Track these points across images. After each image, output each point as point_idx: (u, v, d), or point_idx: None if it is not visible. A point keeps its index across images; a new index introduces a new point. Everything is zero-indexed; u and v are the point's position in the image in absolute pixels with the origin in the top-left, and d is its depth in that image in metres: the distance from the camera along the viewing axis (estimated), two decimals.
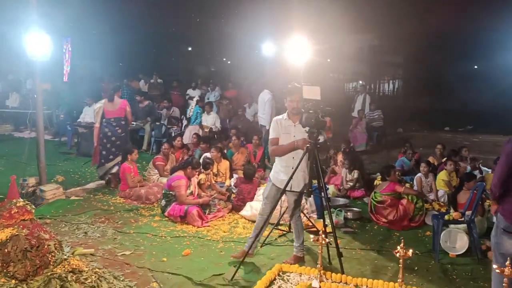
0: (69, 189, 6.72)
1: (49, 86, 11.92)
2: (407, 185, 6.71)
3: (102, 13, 13.82)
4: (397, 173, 6.56)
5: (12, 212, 3.67)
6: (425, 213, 5.94)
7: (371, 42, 19.76)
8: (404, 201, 5.86)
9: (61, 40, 9.00)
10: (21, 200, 3.82)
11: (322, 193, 4.34)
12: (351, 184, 7.28)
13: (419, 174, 6.94)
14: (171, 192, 5.86)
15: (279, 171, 4.34)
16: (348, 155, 7.69)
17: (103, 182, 7.29)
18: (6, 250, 3.47)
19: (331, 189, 7.20)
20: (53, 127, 12.11)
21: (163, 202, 5.88)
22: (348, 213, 6.06)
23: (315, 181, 4.97)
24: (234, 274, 4.05)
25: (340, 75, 22.12)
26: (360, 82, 19.48)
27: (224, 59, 23.53)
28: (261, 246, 4.83)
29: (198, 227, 5.51)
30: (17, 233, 3.55)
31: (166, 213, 5.76)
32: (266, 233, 5.03)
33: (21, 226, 3.63)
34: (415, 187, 6.76)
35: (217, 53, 22.40)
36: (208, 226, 5.57)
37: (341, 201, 6.71)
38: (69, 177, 7.68)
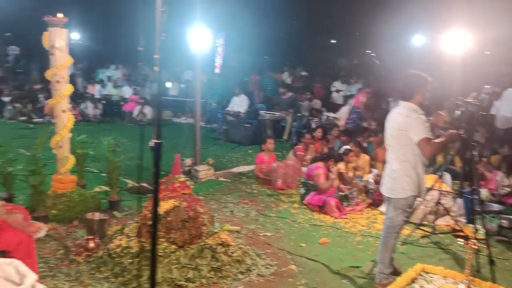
0: (218, 171, 7.36)
1: (205, 77, 13.08)
2: None
3: (252, 7, 14.60)
4: None
5: (175, 186, 4.19)
6: None
7: None
8: None
9: (215, 34, 9.79)
10: (183, 176, 4.33)
11: (475, 196, 4.02)
12: (508, 190, 6.54)
13: None
14: (309, 182, 6.01)
15: (416, 176, 3.57)
16: (507, 157, 6.92)
17: (247, 167, 7.83)
18: (169, 218, 3.98)
19: (483, 193, 6.55)
20: (206, 114, 13.27)
21: (302, 191, 6.07)
22: (503, 221, 5.47)
23: (465, 183, 4.65)
24: (372, 268, 4.01)
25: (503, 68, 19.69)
26: None
27: (368, 51, 22.89)
28: (401, 245, 4.68)
29: (336, 218, 5.56)
30: (178, 205, 4.04)
31: (304, 201, 5.94)
32: (407, 232, 4.86)
33: (182, 199, 4.12)
34: None
35: (361, 46, 21.88)
36: (346, 218, 5.58)
37: (495, 207, 6.07)
38: (218, 161, 8.37)
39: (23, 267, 3.05)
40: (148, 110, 12.95)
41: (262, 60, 17.17)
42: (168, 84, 15.80)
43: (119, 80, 15.76)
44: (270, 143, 7.16)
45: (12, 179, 5.16)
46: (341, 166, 6.59)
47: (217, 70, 13.29)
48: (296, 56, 18.19)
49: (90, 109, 12.93)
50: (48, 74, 4.91)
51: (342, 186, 6.29)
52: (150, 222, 4.00)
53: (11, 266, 3.04)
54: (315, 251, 4.50)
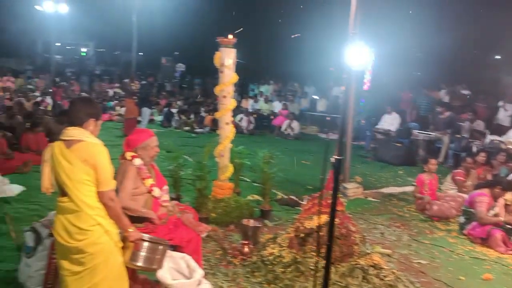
0: (366, 190, 7.18)
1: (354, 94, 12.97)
2: None
3: (404, 22, 14.02)
4: None
5: (328, 202, 4.21)
6: None
7: None
8: None
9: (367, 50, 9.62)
10: None
11: None
12: None
13: None
14: (471, 210, 5.49)
15: None
16: None
17: (398, 188, 7.49)
18: (321, 233, 4.02)
19: None
20: (353, 131, 13.07)
21: (462, 219, 5.57)
22: None
23: None
24: None
25: None
26: None
27: None
28: None
29: (501, 253, 4.97)
30: None
31: (465, 231, 5.43)
32: None
33: None
34: None
35: None
36: None
37: None
38: (366, 179, 8.16)
39: (193, 262, 3.40)
40: (295, 125, 13.31)
41: (414, 76, 16.36)
42: (315, 97, 16.08)
43: (270, 95, 16.57)
44: (432, 164, 6.60)
45: (181, 182, 5.79)
46: (508, 196, 5.88)
47: (365, 87, 13.05)
48: (452, 72, 16.88)
49: (243, 122, 13.80)
50: (217, 90, 5.41)
51: (510, 218, 5.59)
52: (302, 235, 4.11)
53: (183, 260, 3.41)
54: (477, 286, 4.10)
